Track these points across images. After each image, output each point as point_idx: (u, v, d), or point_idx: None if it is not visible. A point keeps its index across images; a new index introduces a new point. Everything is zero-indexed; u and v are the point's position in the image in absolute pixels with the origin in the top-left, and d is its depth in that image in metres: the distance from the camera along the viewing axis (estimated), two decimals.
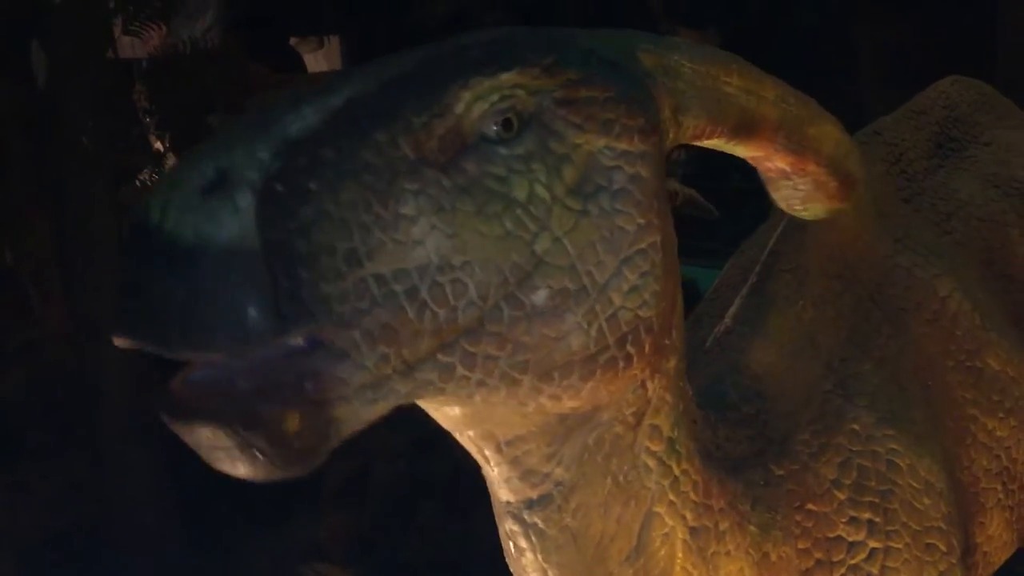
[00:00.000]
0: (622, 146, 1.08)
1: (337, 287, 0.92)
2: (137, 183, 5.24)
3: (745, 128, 1.23)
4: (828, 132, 1.26)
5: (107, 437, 3.59)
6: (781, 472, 1.44)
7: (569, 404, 1.11)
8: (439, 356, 0.99)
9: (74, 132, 3.22)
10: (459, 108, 1.00)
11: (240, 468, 0.94)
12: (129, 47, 5.99)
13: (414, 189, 0.96)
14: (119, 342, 0.95)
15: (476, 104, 1.01)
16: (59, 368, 4.00)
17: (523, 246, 1.01)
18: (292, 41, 8.85)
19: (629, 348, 1.09)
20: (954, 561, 1.54)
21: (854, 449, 1.51)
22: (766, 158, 1.31)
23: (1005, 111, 2.29)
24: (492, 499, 1.26)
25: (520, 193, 1.02)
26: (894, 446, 1.53)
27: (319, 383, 0.93)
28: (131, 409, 3.59)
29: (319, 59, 8.95)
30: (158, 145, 5.81)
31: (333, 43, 9.07)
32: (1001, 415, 1.74)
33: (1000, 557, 1.80)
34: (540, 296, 1.03)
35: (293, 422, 0.91)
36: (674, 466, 1.24)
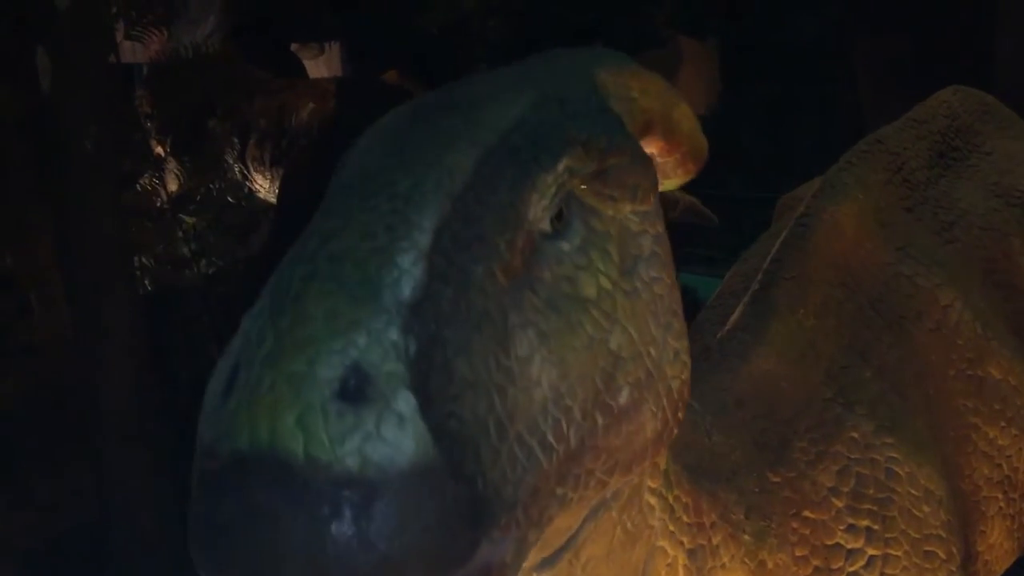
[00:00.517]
0: (643, 208, 1.03)
1: (499, 470, 0.81)
2: (138, 188, 5.24)
3: (645, 129, 1.16)
4: (685, 112, 1.21)
5: (107, 442, 3.59)
6: (777, 479, 1.44)
7: (628, 479, 1.05)
8: (557, 490, 0.90)
9: (77, 137, 3.22)
10: (531, 213, 0.91)
11: None
12: (130, 52, 5.99)
13: (520, 322, 0.86)
14: None
15: (541, 203, 0.92)
16: (59, 373, 4.00)
17: (603, 348, 0.93)
18: (293, 47, 8.86)
19: (679, 415, 1.06)
20: (953, 569, 1.54)
21: (853, 457, 1.51)
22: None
23: (1006, 121, 2.29)
24: None
25: (591, 291, 0.94)
26: (893, 454, 1.53)
27: (488, 572, 0.82)
28: (131, 414, 3.59)
29: (320, 65, 8.95)
30: (159, 150, 5.81)
31: (334, 49, 9.08)
32: (1003, 424, 1.75)
33: (1001, 566, 1.80)
34: (624, 396, 0.96)
35: None
36: (669, 496, 1.22)
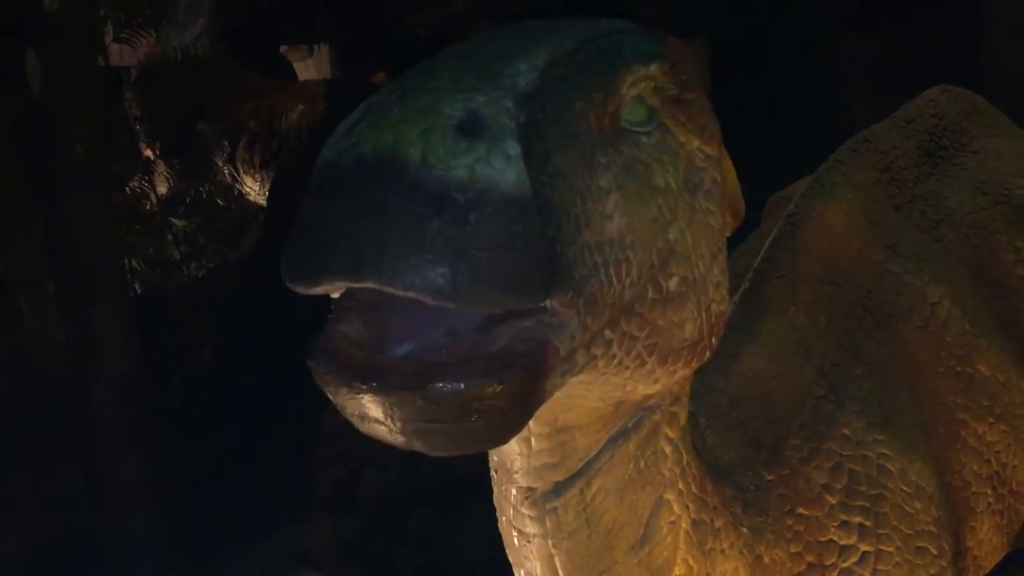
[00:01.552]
0: (708, 150, 1.12)
1: (573, 252, 0.90)
2: (128, 190, 5.23)
3: None
4: (729, 167, 1.27)
5: (98, 446, 3.58)
6: (772, 477, 1.45)
7: (656, 389, 1.12)
8: (606, 332, 0.98)
9: (67, 139, 3.21)
10: (624, 90, 1.01)
11: (442, 442, 0.89)
12: (119, 55, 5.98)
13: (604, 162, 0.96)
14: (335, 284, 0.86)
15: (631, 90, 1.02)
16: (49, 376, 3.99)
17: (662, 232, 1.03)
18: (282, 49, 8.85)
19: (713, 340, 1.13)
20: (944, 564, 1.55)
21: (845, 454, 1.52)
22: None
23: (993, 120, 2.31)
24: (501, 488, 1.23)
25: (659, 181, 1.03)
26: (885, 451, 1.55)
27: (544, 353, 0.89)
28: (121, 417, 3.58)
29: (309, 67, 8.94)
30: (148, 152, 5.80)
31: (323, 51, 9.07)
32: (991, 420, 1.76)
33: (990, 561, 1.81)
34: (673, 282, 1.04)
35: (515, 392, 0.87)
36: (684, 455, 1.25)
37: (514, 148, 0.86)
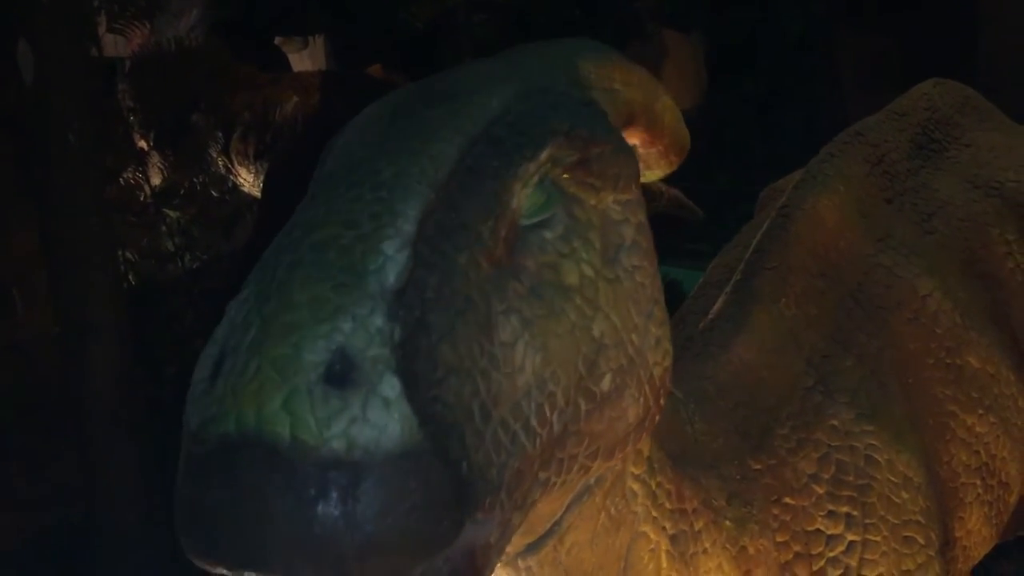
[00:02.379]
0: (625, 197, 1.04)
1: (483, 453, 0.82)
2: (121, 182, 5.21)
3: (628, 120, 1.17)
4: (667, 104, 1.22)
5: (92, 439, 3.57)
6: (758, 466, 1.46)
7: (610, 465, 1.07)
8: (540, 474, 0.92)
9: (61, 131, 3.20)
10: (515, 202, 0.92)
11: None
12: (112, 46, 5.96)
13: (504, 309, 0.88)
14: (234, 572, 0.79)
15: (525, 190, 0.93)
16: (43, 369, 3.98)
17: (586, 335, 0.95)
18: (277, 40, 8.82)
19: (661, 401, 1.07)
20: (932, 554, 1.56)
21: (833, 444, 1.52)
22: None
23: (986, 113, 2.32)
24: None
25: (573, 279, 0.95)
26: (873, 441, 1.55)
27: (483, 558, 0.85)
28: (116, 409, 3.57)
29: (303, 59, 8.92)
30: (142, 144, 5.78)
31: (318, 43, 9.05)
32: (980, 412, 1.77)
33: (979, 552, 1.82)
34: (606, 382, 0.97)
35: None
36: (652, 483, 1.23)
37: (392, 388, 0.77)
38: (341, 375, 0.76)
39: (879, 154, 1.98)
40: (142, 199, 5.47)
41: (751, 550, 1.39)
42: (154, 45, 5.86)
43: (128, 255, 4.94)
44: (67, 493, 3.87)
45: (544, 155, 0.95)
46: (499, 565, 1.16)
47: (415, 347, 0.80)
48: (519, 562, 1.15)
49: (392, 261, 0.82)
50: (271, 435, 0.75)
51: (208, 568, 0.82)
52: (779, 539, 1.44)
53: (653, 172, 1.32)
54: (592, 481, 1.11)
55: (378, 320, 0.79)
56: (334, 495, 0.75)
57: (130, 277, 4.90)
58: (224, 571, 0.81)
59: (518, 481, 0.87)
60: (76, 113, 3.24)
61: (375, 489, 0.75)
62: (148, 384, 3.89)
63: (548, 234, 0.95)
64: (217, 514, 0.77)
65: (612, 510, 1.16)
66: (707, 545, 1.32)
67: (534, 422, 0.88)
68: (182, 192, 5.74)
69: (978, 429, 1.75)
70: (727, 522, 1.36)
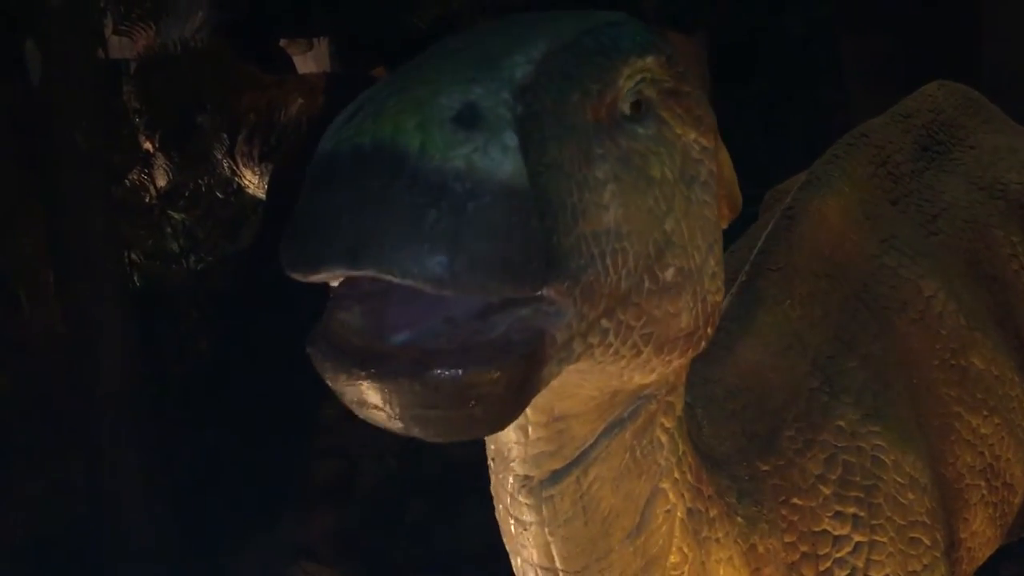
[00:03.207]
0: (704, 141, 1.13)
1: (569, 242, 0.92)
2: (127, 183, 5.23)
3: None
4: (726, 158, 1.28)
5: (98, 438, 3.59)
6: (766, 467, 1.46)
7: (652, 378, 1.12)
8: (602, 321, 0.99)
9: (68, 131, 3.22)
10: (620, 82, 1.01)
11: (437, 429, 0.90)
12: (117, 47, 5.98)
13: (601, 153, 0.97)
14: (334, 272, 0.87)
15: (627, 82, 1.02)
16: (50, 369, 4.00)
17: (658, 223, 1.03)
18: (282, 42, 8.85)
19: (709, 330, 1.14)
20: (938, 555, 1.57)
21: (839, 445, 1.53)
22: None
23: (991, 115, 2.32)
24: (499, 477, 1.24)
25: (656, 172, 1.04)
26: (879, 442, 1.56)
27: (542, 342, 0.91)
28: (122, 410, 3.59)
29: (308, 60, 8.95)
30: (147, 145, 5.80)
31: (322, 45, 9.07)
32: (985, 413, 1.77)
33: (984, 553, 1.83)
34: (669, 273, 1.05)
35: (513, 379, 0.89)
36: (680, 444, 1.26)
37: (511, 139, 0.87)
38: (470, 120, 0.86)
39: (883, 156, 1.99)
40: (147, 200, 5.49)
41: (761, 549, 1.40)
42: (160, 47, 5.89)
43: (133, 256, 4.96)
44: (73, 493, 3.88)
45: (649, 60, 1.04)
46: (522, 492, 1.19)
47: (531, 129, 0.89)
48: (542, 491, 1.18)
49: (520, 66, 0.92)
50: (403, 145, 0.84)
51: (307, 275, 0.89)
52: (787, 539, 1.45)
53: None
54: (626, 415, 1.16)
55: (505, 94, 0.89)
56: (451, 204, 0.83)
57: (135, 278, 4.92)
58: (327, 273, 0.88)
59: (588, 295, 0.95)
60: (82, 114, 3.26)
61: (485, 209, 0.84)
62: (153, 385, 3.91)
63: (641, 130, 1.04)
64: (338, 213, 0.85)
65: (638, 452, 1.20)
66: (720, 535, 1.33)
67: (608, 259, 0.96)
68: (187, 194, 5.77)
69: (983, 430, 1.76)
70: (739, 518, 1.37)
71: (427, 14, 7.90)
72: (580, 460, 1.16)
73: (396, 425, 0.90)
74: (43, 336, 4.23)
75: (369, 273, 0.85)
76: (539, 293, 0.90)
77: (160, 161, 5.81)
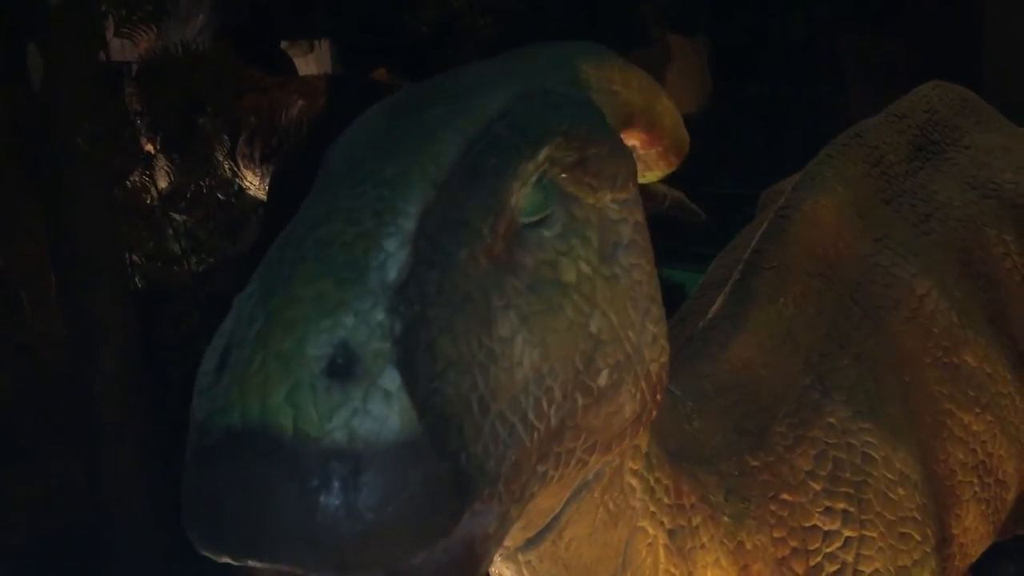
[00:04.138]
0: (622, 196, 1.05)
1: (481, 445, 0.85)
2: (128, 185, 5.24)
3: (627, 122, 1.19)
4: (667, 105, 1.24)
5: (99, 440, 3.60)
6: (756, 463, 1.47)
7: (606, 461, 1.09)
8: (538, 467, 0.94)
9: (70, 134, 3.24)
10: (513, 200, 0.94)
11: None
12: (119, 50, 6.00)
13: (503, 305, 0.90)
14: (244, 562, 0.81)
15: (522, 191, 0.95)
16: (50, 371, 4.01)
17: (584, 331, 0.97)
18: (283, 45, 8.86)
19: (659, 397, 1.09)
20: (928, 550, 1.58)
21: (830, 441, 1.54)
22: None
23: (985, 115, 2.33)
24: None
25: (571, 277, 0.97)
26: (869, 439, 1.57)
27: (481, 547, 0.88)
28: (123, 412, 3.60)
29: (309, 63, 8.97)
30: (149, 147, 5.82)
31: (323, 47, 9.10)
32: (977, 410, 1.78)
33: (977, 549, 1.83)
34: (603, 377, 0.99)
35: None
36: (650, 478, 1.25)
37: (392, 380, 0.79)
38: (344, 368, 0.79)
39: (877, 155, 2.00)
40: (149, 202, 5.50)
41: (748, 545, 1.41)
42: (161, 49, 5.90)
43: (135, 258, 4.97)
44: (72, 495, 3.89)
45: (543, 154, 0.96)
46: (500, 559, 1.19)
47: (415, 341, 0.82)
48: (519, 556, 1.17)
49: (393, 258, 0.84)
50: (275, 427, 0.77)
51: (215, 558, 0.84)
52: (776, 535, 1.46)
53: (653, 173, 1.34)
54: (590, 476, 1.13)
55: (379, 315, 0.81)
56: (336, 484, 0.77)
57: (136, 280, 4.93)
58: (230, 560, 0.82)
59: (516, 473, 0.90)
60: (84, 116, 3.28)
61: (376, 479, 0.77)
62: (154, 387, 3.92)
63: (546, 232, 0.97)
64: (222, 504, 0.79)
65: (610, 505, 1.18)
66: (705, 540, 1.33)
67: (532, 416, 0.91)
68: (188, 195, 5.78)
69: (975, 427, 1.77)
70: (725, 518, 1.38)
71: (427, 16, 7.91)
72: (552, 526, 1.14)
73: None
74: (44, 337, 4.24)
75: (277, 567, 0.80)
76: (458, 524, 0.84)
77: (161, 163, 5.82)
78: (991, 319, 1.91)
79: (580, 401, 0.97)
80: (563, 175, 1.00)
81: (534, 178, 0.96)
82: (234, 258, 5.79)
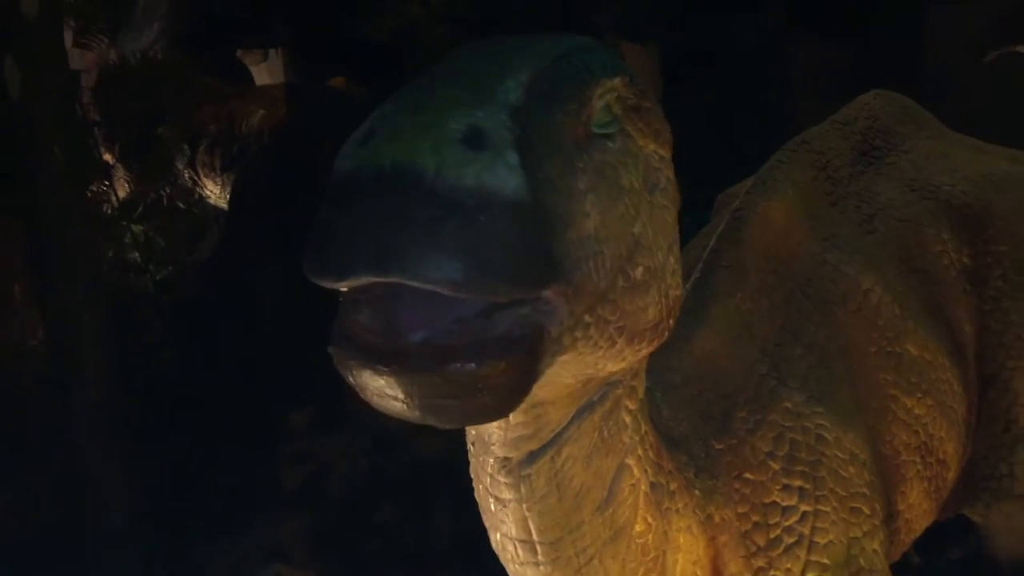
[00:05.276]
0: (662, 152, 1.26)
1: (561, 246, 1.04)
2: (88, 194, 5.24)
3: None
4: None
5: (76, 445, 3.63)
6: (721, 446, 1.60)
7: (622, 366, 1.26)
8: (585, 317, 1.11)
9: (48, 144, 3.29)
10: (593, 101, 1.14)
11: (451, 417, 1.03)
12: (77, 59, 5.99)
13: (582, 167, 1.10)
14: (361, 279, 0.98)
15: (599, 101, 1.15)
16: (28, 377, 4.01)
17: (628, 228, 1.16)
18: (238, 53, 8.85)
19: (671, 321, 1.27)
20: (877, 523, 1.71)
21: (787, 425, 1.67)
22: None
23: (924, 122, 2.48)
24: (479, 459, 1.36)
25: (625, 181, 1.17)
26: (822, 422, 1.70)
27: (540, 337, 1.04)
28: (102, 417, 3.64)
29: (262, 71, 8.96)
30: (107, 156, 5.81)
31: (277, 55, 9.08)
32: (919, 395, 1.93)
33: (921, 524, 1.98)
34: (639, 271, 1.18)
35: (515, 372, 1.02)
36: (642, 424, 1.39)
37: (513, 158, 0.99)
38: (476, 142, 0.98)
39: (824, 161, 2.14)
40: (108, 212, 5.50)
41: (716, 518, 1.53)
42: (119, 59, 5.90)
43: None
44: (48, 496, 3.90)
45: (617, 80, 1.17)
46: (503, 471, 1.32)
47: (528, 144, 1.01)
48: (520, 471, 1.31)
49: (512, 90, 1.05)
50: (421, 166, 0.96)
51: (335, 283, 1.00)
52: (740, 510, 1.58)
53: None
54: (595, 399, 1.30)
55: (504, 116, 1.01)
56: (464, 217, 0.95)
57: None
58: (353, 280, 0.99)
59: (577, 295, 1.07)
60: (60, 126, 3.32)
61: (494, 221, 0.96)
62: (126, 393, 3.95)
63: (611, 144, 1.16)
64: (363, 226, 0.96)
65: (605, 432, 1.33)
66: (680, 506, 1.46)
67: (592, 261, 1.09)
68: (144, 205, 5.77)
69: (917, 411, 1.91)
70: (697, 491, 1.51)
71: (385, 24, 7.96)
72: (555, 441, 1.29)
73: (414, 414, 1.03)
74: (13, 344, 4.24)
75: (394, 279, 0.96)
76: (539, 294, 1.03)
77: (120, 172, 5.82)
78: (930, 311, 2.05)
79: (620, 282, 1.15)
80: (624, 113, 1.19)
81: (604, 100, 1.16)
82: (194, 266, 5.81)
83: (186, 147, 6.12)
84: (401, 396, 1.01)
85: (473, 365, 0.99)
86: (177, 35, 7.97)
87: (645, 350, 1.25)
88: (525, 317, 1.03)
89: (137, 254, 5.54)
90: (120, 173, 5.89)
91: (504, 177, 0.98)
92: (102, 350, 3.59)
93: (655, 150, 1.25)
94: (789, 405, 1.69)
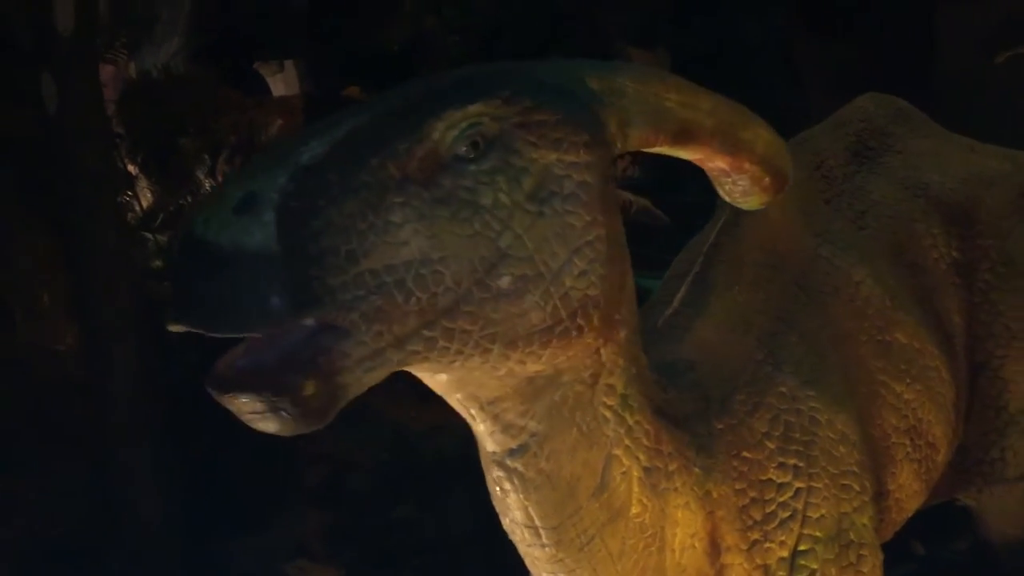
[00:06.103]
0: (570, 158, 1.33)
1: (340, 280, 1.17)
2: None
3: (684, 136, 1.48)
4: (760, 134, 1.51)
5: (110, 444, 3.77)
6: (721, 426, 1.71)
7: (533, 368, 1.36)
8: (424, 331, 1.23)
9: (84, 156, 3.44)
10: (435, 135, 1.24)
11: (271, 426, 1.20)
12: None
13: (400, 201, 1.21)
14: (174, 328, 1.19)
15: (449, 131, 1.25)
16: (57, 375, 4.14)
17: (489, 242, 1.26)
18: (255, 64, 9.00)
19: (579, 321, 1.35)
20: (867, 499, 1.82)
21: (782, 407, 1.78)
22: (708, 159, 1.57)
23: (918, 123, 2.57)
24: (480, 451, 1.52)
25: (486, 200, 1.26)
26: (815, 404, 1.81)
27: (329, 356, 1.18)
28: (135, 416, 3.78)
29: (278, 82, 9.11)
30: (131, 167, 5.96)
31: (292, 66, 9.22)
32: (908, 381, 2.03)
33: (911, 504, 2.08)
34: (504, 281, 1.27)
35: (310, 388, 1.17)
36: (628, 417, 1.50)
37: (269, 216, 1.15)
38: (245, 206, 1.15)
39: (819, 160, 2.25)
40: (132, 221, 5.65)
41: (715, 494, 1.65)
42: (141, 72, 6.05)
43: None
44: (78, 498, 4.01)
45: (472, 108, 1.26)
46: (494, 464, 1.47)
47: (298, 197, 1.16)
48: (507, 462, 1.46)
49: (311, 150, 1.20)
50: (198, 232, 1.16)
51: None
52: (738, 487, 1.70)
53: (753, 198, 1.61)
54: (557, 398, 1.41)
55: (281, 179, 1.17)
56: (215, 268, 1.14)
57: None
58: (175, 326, 1.20)
59: (380, 317, 1.20)
60: (93, 138, 3.47)
61: (240, 270, 1.14)
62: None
63: (472, 167, 1.26)
64: (176, 281, 1.20)
65: (584, 427, 1.46)
66: (678, 484, 1.58)
67: (410, 283, 1.21)
68: (164, 214, 5.91)
69: (906, 396, 2.01)
70: (696, 469, 1.62)
71: (398, 34, 8.10)
72: (534, 437, 1.43)
73: (256, 426, 1.21)
74: (37, 349, 4.36)
75: (184, 325, 1.18)
76: (308, 322, 1.17)
77: (143, 182, 5.97)
78: (920, 302, 2.15)
79: (477, 294, 1.25)
80: (506, 130, 1.28)
81: (464, 124, 1.25)
82: None
83: (207, 157, 6.27)
84: (239, 413, 1.19)
85: (278, 384, 1.16)
86: (196, 48, 8.15)
87: (554, 351, 1.35)
88: (316, 341, 1.18)
89: (160, 262, 5.68)
90: (143, 183, 6.04)
91: (253, 234, 1.14)
92: (134, 355, 3.73)
93: (557, 159, 1.32)
94: (784, 389, 1.80)
